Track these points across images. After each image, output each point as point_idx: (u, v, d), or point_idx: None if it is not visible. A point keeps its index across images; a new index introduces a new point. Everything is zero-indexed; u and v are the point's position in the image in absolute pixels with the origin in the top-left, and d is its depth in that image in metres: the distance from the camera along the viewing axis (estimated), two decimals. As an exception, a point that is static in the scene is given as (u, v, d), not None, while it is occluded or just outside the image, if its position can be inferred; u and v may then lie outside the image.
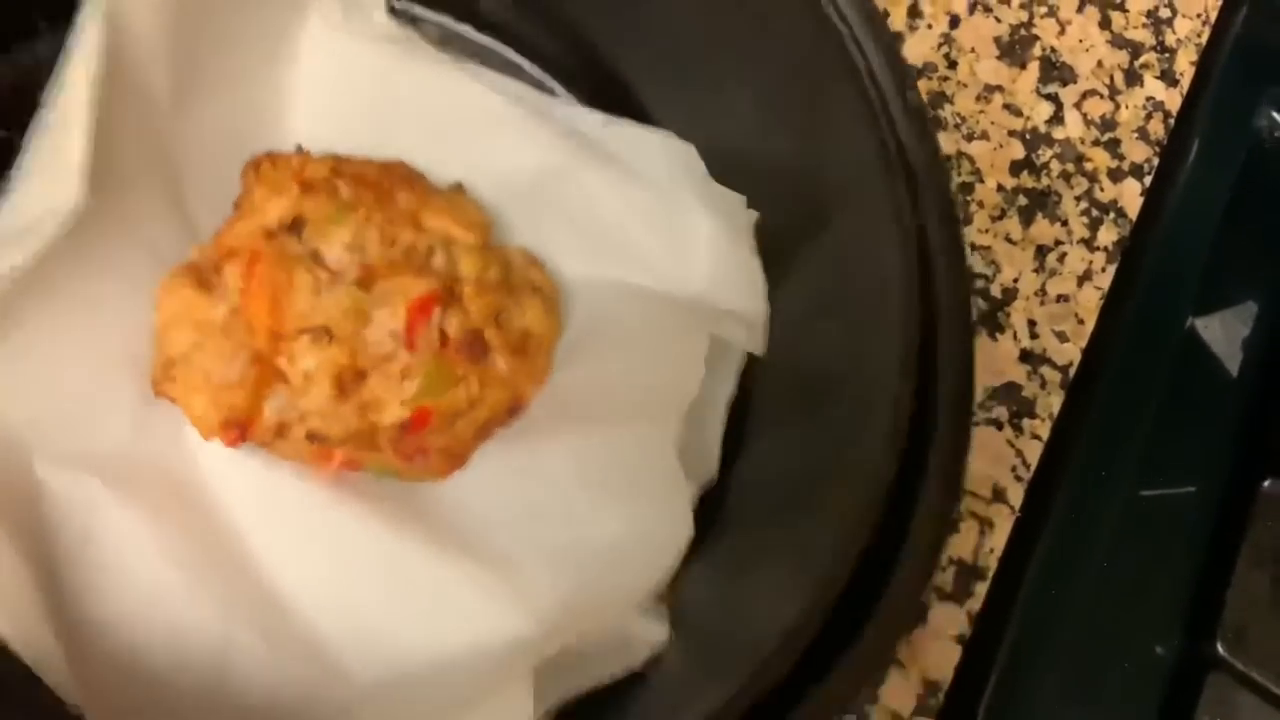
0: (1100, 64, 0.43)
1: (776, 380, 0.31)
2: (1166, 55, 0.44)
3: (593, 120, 0.33)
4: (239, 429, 0.26)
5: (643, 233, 0.31)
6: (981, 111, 0.41)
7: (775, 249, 0.31)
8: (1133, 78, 0.43)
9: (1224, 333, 0.41)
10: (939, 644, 0.34)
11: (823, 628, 0.23)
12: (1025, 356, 0.38)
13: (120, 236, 0.27)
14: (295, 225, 0.27)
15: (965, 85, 0.42)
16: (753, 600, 0.26)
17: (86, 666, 0.24)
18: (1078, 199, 0.41)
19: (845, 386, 0.28)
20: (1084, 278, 0.40)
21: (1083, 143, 0.42)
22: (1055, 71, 0.43)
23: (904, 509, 0.25)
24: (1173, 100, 0.43)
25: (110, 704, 0.24)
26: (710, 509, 0.30)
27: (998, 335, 0.38)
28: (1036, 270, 0.40)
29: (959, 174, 0.40)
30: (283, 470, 0.27)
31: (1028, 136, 0.41)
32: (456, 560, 0.27)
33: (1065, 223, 0.40)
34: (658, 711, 0.26)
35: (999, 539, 0.36)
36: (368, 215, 0.28)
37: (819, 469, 0.27)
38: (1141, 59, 0.44)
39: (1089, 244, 0.40)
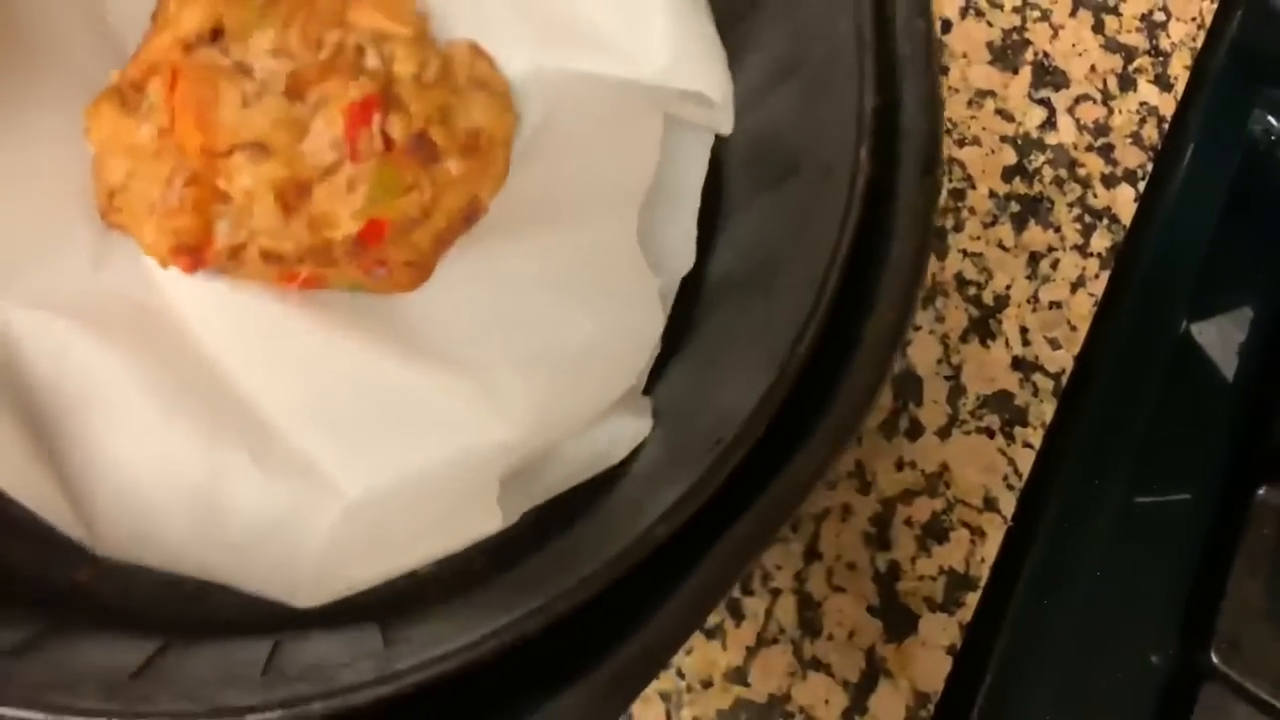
0: (1093, 68, 0.43)
1: (742, 158, 0.30)
2: (1160, 59, 0.44)
3: None
4: (192, 254, 0.26)
5: (596, 13, 0.29)
6: (973, 117, 0.41)
7: (727, 18, 0.30)
8: (1126, 82, 0.43)
9: (1219, 338, 0.40)
10: (929, 654, 0.34)
11: (792, 404, 0.22)
12: (1017, 364, 0.38)
13: (47, 68, 0.27)
14: (215, 35, 0.26)
15: (957, 90, 0.41)
16: (721, 385, 0.26)
17: (83, 501, 0.25)
18: (1071, 205, 0.41)
19: (804, 155, 0.27)
20: (1077, 284, 0.40)
21: (1076, 148, 0.42)
22: (1048, 76, 0.42)
23: (871, 275, 0.23)
24: (1167, 105, 0.43)
25: (112, 536, 0.25)
26: (688, 298, 0.29)
27: (989, 342, 0.38)
28: (1029, 277, 0.39)
29: (950, 180, 0.40)
30: (250, 293, 0.27)
31: (1020, 142, 0.41)
32: (430, 371, 0.26)
33: (1058, 229, 0.40)
34: (628, 501, 0.25)
35: (991, 548, 0.35)
36: (289, 15, 0.26)
37: (781, 244, 0.27)
38: (1135, 63, 0.43)
39: (1082, 250, 0.40)
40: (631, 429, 0.27)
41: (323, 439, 0.26)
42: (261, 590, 0.25)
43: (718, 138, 0.30)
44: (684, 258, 0.30)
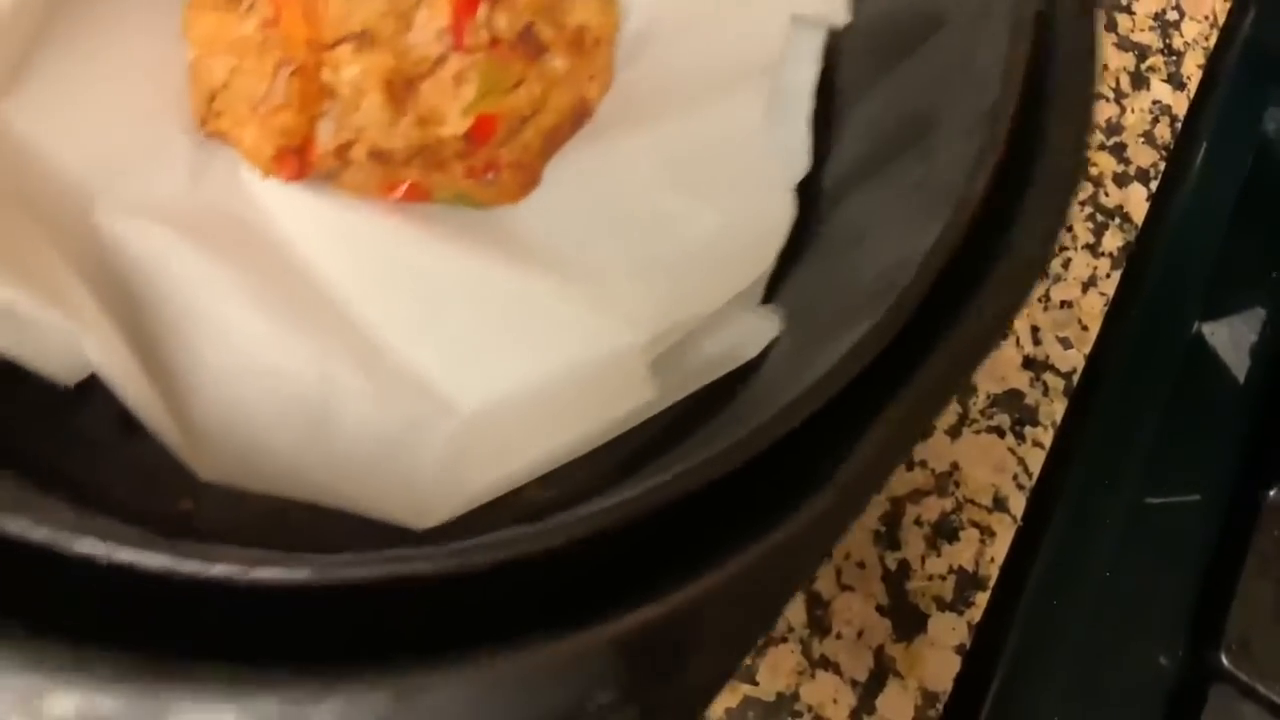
0: (1106, 67, 0.43)
1: (861, 44, 0.29)
2: (1174, 58, 0.43)
3: None
4: (296, 157, 0.25)
5: None
6: (985, 115, 0.41)
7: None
8: (1139, 81, 0.43)
9: (1231, 339, 0.40)
10: (938, 654, 0.34)
11: (958, 259, 0.21)
12: (1028, 363, 0.38)
13: None
14: None
15: (969, 89, 0.41)
16: (875, 255, 0.24)
17: (190, 420, 0.24)
18: (1082, 204, 0.40)
19: (948, 9, 0.25)
20: (1088, 284, 0.39)
21: (1088, 146, 0.41)
22: (1060, 75, 0.42)
23: (1036, 120, 0.22)
24: (1180, 104, 0.43)
25: (219, 457, 0.24)
26: (806, 200, 0.28)
27: (1000, 341, 0.38)
28: (1040, 276, 0.39)
29: (962, 178, 0.40)
30: (351, 205, 0.26)
31: (1032, 140, 0.41)
32: (543, 279, 0.26)
33: (1070, 228, 0.40)
34: (770, 390, 0.24)
35: (1000, 548, 0.35)
36: None
37: (931, 100, 0.25)
38: (1148, 62, 0.43)
39: (1093, 250, 0.40)
40: (761, 326, 0.26)
41: (433, 353, 0.25)
42: (378, 511, 0.24)
43: (831, 35, 0.29)
44: (799, 162, 0.28)
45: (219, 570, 0.17)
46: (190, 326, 0.24)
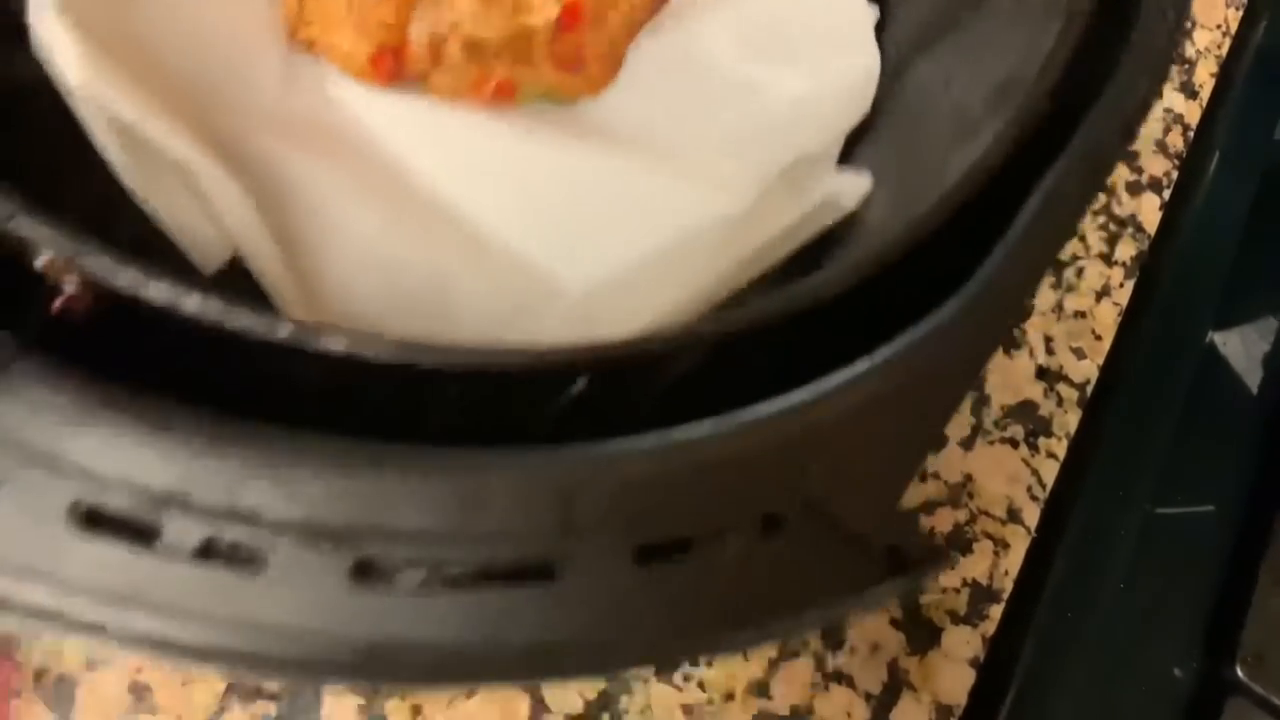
0: (1118, 75, 0.43)
1: None
2: (1186, 67, 0.43)
3: None
4: (393, 57, 0.26)
5: None
6: (997, 124, 0.41)
7: None
8: (1151, 89, 0.43)
9: (1244, 349, 0.40)
10: (952, 667, 0.34)
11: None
12: (1041, 374, 0.38)
13: None
14: None
15: (981, 97, 0.41)
16: (976, 81, 0.24)
17: (309, 313, 0.24)
18: (1095, 213, 0.40)
19: None
20: (1102, 293, 0.39)
21: None
22: (1072, 83, 0.42)
23: None
24: (1192, 113, 0.42)
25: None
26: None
27: (1013, 352, 0.38)
28: (1053, 286, 0.39)
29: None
30: (440, 107, 0.27)
31: (1044, 149, 0.41)
32: (637, 161, 0.26)
33: (1083, 238, 0.40)
34: (884, 229, 0.24)
35: (1014, 560, 0.35)
36: None
37: None
38: (1160, 70, 0.43)
39: (1107, 259, 0.40)
40: (855, 181, 0.26)
41: (535, 241, 0.26)
42: None
43: None
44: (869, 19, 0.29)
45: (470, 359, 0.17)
46: (305, 226, 0.25)
